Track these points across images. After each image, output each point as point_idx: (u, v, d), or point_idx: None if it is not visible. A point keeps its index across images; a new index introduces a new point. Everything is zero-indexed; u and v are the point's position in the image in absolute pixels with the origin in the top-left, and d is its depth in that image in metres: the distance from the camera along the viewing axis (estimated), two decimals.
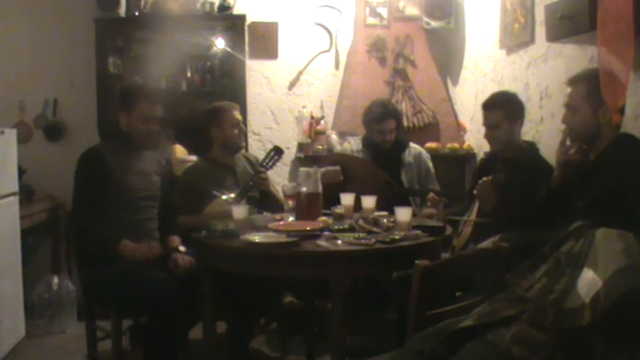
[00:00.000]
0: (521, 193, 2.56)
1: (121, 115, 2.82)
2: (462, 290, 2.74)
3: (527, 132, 3.40)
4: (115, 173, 2.73)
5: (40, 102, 4.36)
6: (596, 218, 1.71)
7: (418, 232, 2.48)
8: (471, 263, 2.07)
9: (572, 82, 2.29)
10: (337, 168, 3.32)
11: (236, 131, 3.22)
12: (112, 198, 2.72)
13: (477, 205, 2.88)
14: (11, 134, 3.54)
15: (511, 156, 2.86)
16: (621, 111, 2.13)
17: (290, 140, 4.50)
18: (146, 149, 2.90)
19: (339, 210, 2.78)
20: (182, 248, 2.77)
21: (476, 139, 4.17)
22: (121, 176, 2.75)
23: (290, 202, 2.94)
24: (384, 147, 3.62)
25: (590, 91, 2.18)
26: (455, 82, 4.56)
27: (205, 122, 3.25)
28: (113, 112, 2.89)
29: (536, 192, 2.47)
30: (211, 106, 3.33)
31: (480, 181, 2.79)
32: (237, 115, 3.25)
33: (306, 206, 2.71)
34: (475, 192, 2.82)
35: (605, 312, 1.49)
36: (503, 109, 2.88)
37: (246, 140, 4.08)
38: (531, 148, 2.97)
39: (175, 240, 2.83)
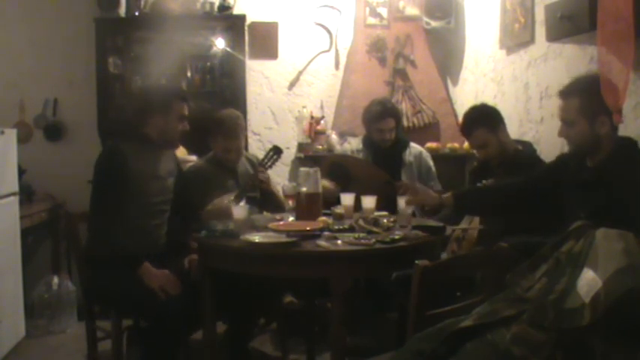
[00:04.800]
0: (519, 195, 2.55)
1: (157, 118, 2.75)
2: (461, 290, 2.73)
3: (527, 132, 3.40)
4: (135, 176, 2.69)
5: (40, 102, 4.36)
6: (599, 226, 1.70)
7: (418, 232, 2.48)
8: (471, 263, 2.08)
9: (564, 95, 2.24)
10: (334, 188, 3.26)
11: (227, 156, 3.17)
12: (129, 200, 2.68)
13: None
14: (11, 134, 3.54)
15: (508, 159, 2.84)
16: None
17: (290, 140, 4.51)
18: (171, 148, 2.90)
19: (339, 210, 2.77)
20: None
21: None
22: (140, 179, 2.71)
23: (290, 202, 2.94)
24: (383, 146, 3.62)
25: (584, 103, 2.15)
26: (455, 82, 4.56)
27: (204, 129, 3.20)
28: (138, 114, 2.83)
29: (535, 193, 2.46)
30: (215, 116, 3.22)
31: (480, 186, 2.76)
32: (233, 143, 3.14)
33: (306, 206, 2.70)
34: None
35: (605, 312, 1.49)
36: (483, 126, 2.82)
37: (246, 140, 4.08)
38: (528, 149, 2.95)
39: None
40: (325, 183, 3.03)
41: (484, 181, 2.76)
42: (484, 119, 2.85)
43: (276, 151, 3.12)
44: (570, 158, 2.36)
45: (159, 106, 2.78)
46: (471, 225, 2.84)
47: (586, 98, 2.12)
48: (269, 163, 3.12)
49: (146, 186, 2.75)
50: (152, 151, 2.80)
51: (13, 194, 3.50)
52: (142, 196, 2.73)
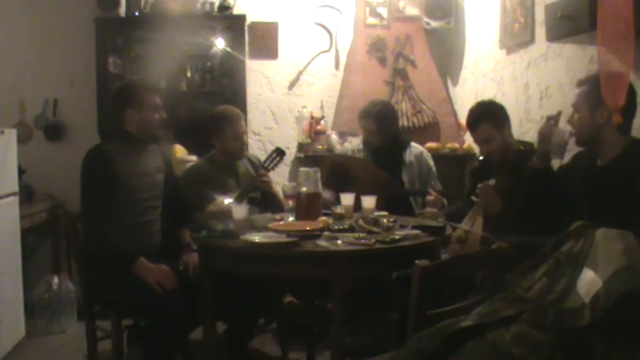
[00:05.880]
0: (524, 196, 2.54)
1: (130, 112, 2.80)
2: (462, 290, 2.73)
3: (527, 132, 3.40)
4: (122, 174, 2.72)
5: (40, 102, 4.36)
6: (604, 225, 1.70)
7: (418, 232, 2.48)
8: (471, 263, 2.07)
9: (578, 83, 2.28)
10: (330, 196, 3.25)
11: (237, 143, 3.18)
12: (118, 199, 2.70)
13: (476, 210, 2.84)
14: (11, 134, 3.54)
15: (510, 159, 2.83)
16: (624, 112, 2.11)
17: (290, 140, 4.50)
18: (155, 141, 2.93)
19: (339, 210, 2.78)
20: (194, 246, 2.79)
21: None
22: (127, 177, 2.74)
23: (290, 202, 2.94)
24: (370, 146, 3.66)
25: (590, 91, 2.17)
26: (455, 82, 4.56)
27: (207, 127, 3.22)
28: (114, 113, 2.89)
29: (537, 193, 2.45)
30: (215, 112, 3.27)
31: (480, 186, 2.75)
32: (240, 127, 3.19)
33: (306, 206, 2.70)
34: (476, 198, 2.77)
35: (605, 312, 1.49)
36: (489, 121, 2.82)
37: (246, 140, 4.08)
38: (530, 150, 2.94)
39: (187, 234, 2.85)
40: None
41: (485, 182, 2.74)
42: (490, 115, 2.86)
43: (279, 153, 3.12)
44: (582, 157, 2.36)
45: (130, 100, 2.83)
46: (474, 227, 2.82)
47: (593, 88, 2.14)
48: (271, 165, 3.12)
49: (134, 183, 2.77)
50: (137, 148, 2.84)
51: (13, 194, 3.50)
52: (131, 193, 2.75)
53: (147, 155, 2.89)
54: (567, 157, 2.51)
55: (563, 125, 2.37)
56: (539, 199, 2.44)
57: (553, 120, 2.37)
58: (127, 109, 2.81)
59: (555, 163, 2.58)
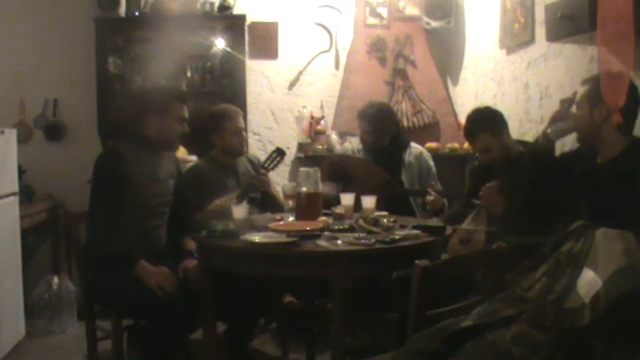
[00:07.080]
0: (527, 196, 2.54)
1: (153, 118, 2.75)
2: (462, 290, 2.73)
3: (527, 132, 3.40)
4: (135, 178, 2.69)
5: (40, 102, 4.36)
6: (603, 225, 1.69)
7: (418, 232, 2.48)
8: (471, 263, 2.07)
9: (583, 82, 2.28)
10: (333, 191, 3.23)
11: (237, 139, 3.19)
12: (129, 202, 2.68)
13: (480, 213, 2.83)
14: (11, 134, 3.54)
15: (511, 161, 2.82)
16: (624, 112, 2.11)
17: (290, 140, 4.51)
18: (171, 150, 2.91)
19: (339, 210, 2.78)
20: (195, 254, 2.76)
21: None
22: (141, 181, 2.71)
23: (290, 202, 2.94)
24: (366, 147, 3.67)
25: (591, 90, 2.18)
26: (455, 82, 4.56)
27: (206, 126, 3.22)
28: (136, 114, 2.83)
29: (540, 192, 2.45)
30: (213, 110, 3.28)
31: (484, 188, 2.74)
32: (239, 123, 3.21)
33: (306, 206, 2.70)
34: (479, 201, 2.76)
35: (605, 312, 1.49)
36: (487, 131, 2.79)
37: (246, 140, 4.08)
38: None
39: (190, 242, 2.83)
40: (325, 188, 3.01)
41: (488, 184, 2.73)
42: (489, 124, 2.82)
43: (279, 153, 3.12)
44: (582, 153, 2.36)
45: (156, 107, 2.78)
46: (478, 227, 2.81)
47: (594, 86, 2.15)
48: (271, 165, 3.12)
49: (146, 188, 2.75)
50: (152, 153, 2.80)
51: (13, 194, 3.50)
52: (142, 197, 2.73)
53: (161, 161, 2.85)
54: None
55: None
56: (539, 179, 2.42)
57: (567, 103, 2.37)
58: (151, 115, 2.76)
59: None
